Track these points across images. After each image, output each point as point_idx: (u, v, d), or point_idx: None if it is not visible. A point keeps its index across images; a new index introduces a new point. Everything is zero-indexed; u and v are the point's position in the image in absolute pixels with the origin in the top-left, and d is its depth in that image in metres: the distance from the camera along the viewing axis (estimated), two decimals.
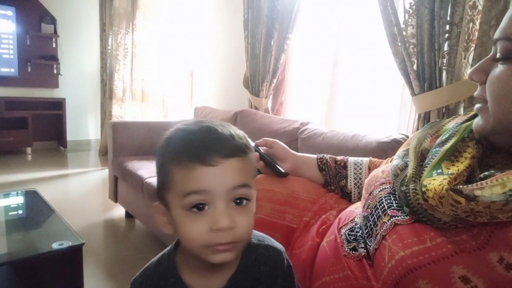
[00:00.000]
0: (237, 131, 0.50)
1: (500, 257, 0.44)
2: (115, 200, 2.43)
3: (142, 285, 0.54)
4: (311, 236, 0.72)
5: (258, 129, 2.00)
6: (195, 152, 0.46)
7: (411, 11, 1.40)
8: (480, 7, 1.26)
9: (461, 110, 1.36)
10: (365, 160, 0.90)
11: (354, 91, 1.92)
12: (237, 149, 0.47)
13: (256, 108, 2.38)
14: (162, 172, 0.49)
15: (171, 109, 3.92)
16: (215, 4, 2.99)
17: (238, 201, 0.48)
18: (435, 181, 0.51)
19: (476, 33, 1.27)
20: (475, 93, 0.56)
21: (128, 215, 2.37)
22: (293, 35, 2.11)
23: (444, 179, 0.50)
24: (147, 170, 2.04)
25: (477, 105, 0.56)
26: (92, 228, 2.22)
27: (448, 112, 1.37)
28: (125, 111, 3.98)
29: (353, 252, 0.60)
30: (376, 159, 0.91)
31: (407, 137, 1.39)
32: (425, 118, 1.42)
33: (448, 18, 1.32)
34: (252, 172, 0.50)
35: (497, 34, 0.53)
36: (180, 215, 0.47)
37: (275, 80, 2.25)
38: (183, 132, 0.49)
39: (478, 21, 1.25)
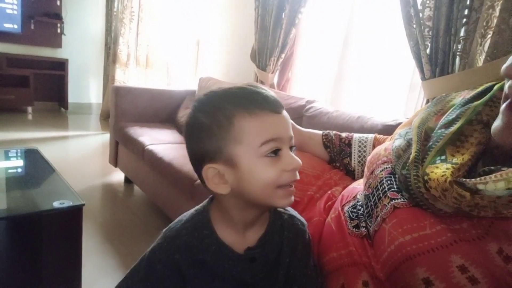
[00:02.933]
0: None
1: (500, 248, 0.43)
2: (115, 164, 2.44)
3: (176, 234, 0.55)
4: (318, 211, 0.72)
5: None
6: (263, 101, 0.50)
7: None
8: None
9: None
10: (370, 137, 0.89)
11: (363, 71, 1.89)
12: (282, 104, 0.54)
13: (261, 82, 2.35)
14: (226, 127, 0.49)
15: (175, 78, 3.87)
16: None
17: (291, 149, 0.54)
18: (438, 170, 0.49)
19: (495, 20, 1.24)
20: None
21: (127, 181, 2.39)
22: (305, 9, 2.05)
23: (448, 168, 0.48)
24: (148, 137, 2.04)
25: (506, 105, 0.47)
26: (91, 191, 2.24)
27: None
28: (128, 76, 3.93)
29: (356, 229, 0.60)
30: (381, 135, 0.90)
31: None
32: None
33: (468, 2, 1.27)
34: None
35: None
36: (253, 164, 0.49)
37: (283, 55, 2.21)
38: (239, 89, 0.52)
39: (499, 7, 1.21)
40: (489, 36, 1.26)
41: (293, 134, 0.53)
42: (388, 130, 1.34)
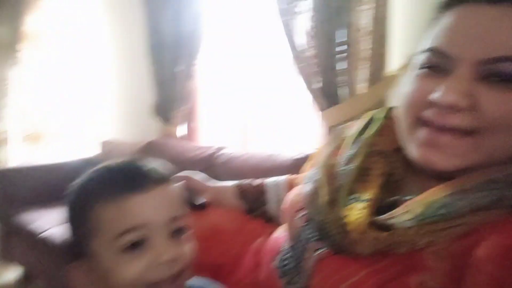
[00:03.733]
0: (159, 162, 0.48)
1: (421, 280, 0.43)
2: (9, 260, 2.06)
3: None
4: (248, 271, 0.66)
5: (171, 159, 1.89)
6: (124, 180, 0.42)
7: (312, 33, 1.49)
8: (367, 29, 1.40)
9: None
10: (283, 179, 0.88)
11: (267, 110, 1.96)
12: (165, 175, 0.45)
13: (167, 136, 2.27)
14: (83, 217, 0.42)
15: (71, 147, 3.53)
16: (113, 31, 2.83)
17: (176, 233, 0.44)
18: (354, 212, 0.48)
19: (367, 52, 1.41)
20: (454, 122, 0.44)
21: (26, 277, 2.02)
22: (200, 60, 2.09)
23: (364, 208, 0.48)
24: (46, 221, 1.77)
25: (440, 136, 0.45)
26: None
27: None
28: (12, 155, 3.46)
29: (289, 286, 0.56)
30: (293, 176, 0.90)
31: None
32: (333, 132, 1.50)
33: (342, 40, 1.43)
34: (182, 201, 0.48)
35: (495, 53, 0.42)
36: (113, 261, 0.41)
37: (185, 107, 2.19)
38: (106, 168, 0.45)
39: (370, 40, 1.39)
40: (365, 66, 1.42)
41: (180, 211, 0.46)
42: (298, 164, 1.36)
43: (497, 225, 0.42)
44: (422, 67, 0.48)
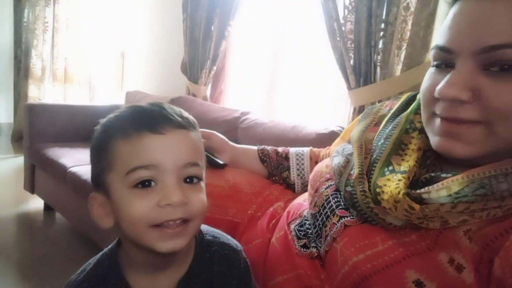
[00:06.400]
0: (185, 111, 0.49)
1: (450, 257, 0.43)
2: (32, 191, 2.17)
3: None
4: (261, 231, 0.68)
5: (196, 117, 1.82)
6: (142, 120, 0.43)
7: (350, 7, 1.44)
8: (412, 9, 1.34)
9: None
10: (306, 150, 0.90)
11: (294, 82, 1.94)
12: (187, 122, 0.46)
13: (194, 95, 2.29)
14: (102, 151, 0.44)
15: (99, 93, 3.61)
16: None
17: (189, 180, 0.45)
18: (391, 183, 0.49)
19: (408, 33, 1.35)
20: (462, 115, 0.45)
21: (47, 208, 2.14)
22: (234, 22, 2.06)
23: (400, 180, 0.48)
24: (71, 159, 1.85)
25: (455, 126, 0.46)
26: (3, 223, 1.96)
27: None
28: (44, 93, 3.57)
29: (304, 249, 0.58)
30: (316, 148, 0.92)
31: (343, 128, 1.44)
32: (360, 112, 1.48)
33: (384, 17, 1.38)
34: (202, 151, 0.48)
35: (491, 41, 0.42)
36: (123, 195, 0.43)
37: (214, 68, 2.18)
38: (131, 107, 0.46)
39: (410, 21, 1.33)
40: (404, 47, 1.37)
41: (195, 159, 0.45)
42: (321, 138, 1.38)
43: None
44: (433, 65, 0.50)
